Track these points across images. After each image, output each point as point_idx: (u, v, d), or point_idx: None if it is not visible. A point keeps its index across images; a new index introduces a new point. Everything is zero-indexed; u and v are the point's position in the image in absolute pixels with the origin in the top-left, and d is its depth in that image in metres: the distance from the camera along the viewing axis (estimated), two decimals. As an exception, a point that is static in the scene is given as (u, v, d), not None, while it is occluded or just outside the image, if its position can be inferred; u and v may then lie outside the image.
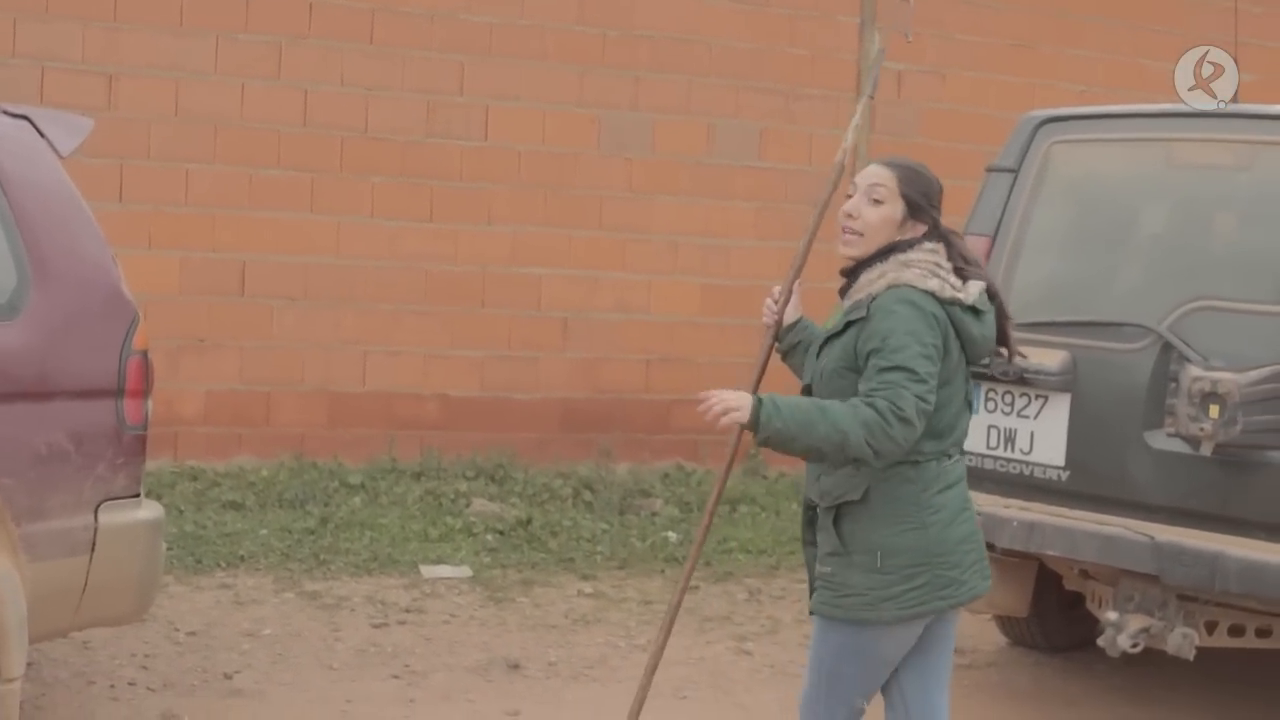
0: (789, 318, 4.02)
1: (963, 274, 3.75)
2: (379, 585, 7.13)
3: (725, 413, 3.57)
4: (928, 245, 3.76)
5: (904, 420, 3.51)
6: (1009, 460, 5.74)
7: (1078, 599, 6.33)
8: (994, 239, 5.93)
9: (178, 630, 6.29)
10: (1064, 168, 5.90)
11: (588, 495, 8.78)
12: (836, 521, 3.69)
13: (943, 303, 3.67)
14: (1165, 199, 5.74)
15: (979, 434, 5.81)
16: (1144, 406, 5.43)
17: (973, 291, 3.73)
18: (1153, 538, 5.23)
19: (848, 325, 3.70)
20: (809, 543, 3.85)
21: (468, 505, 8.35)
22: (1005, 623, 6.75)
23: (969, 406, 3.79)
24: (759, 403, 3.55)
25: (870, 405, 3.51)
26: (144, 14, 8.50)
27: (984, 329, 3.76)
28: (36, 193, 4.48)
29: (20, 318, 4.37)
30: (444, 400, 9.19)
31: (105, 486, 4.51)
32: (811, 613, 3.83)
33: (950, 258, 3.76)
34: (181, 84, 8.59)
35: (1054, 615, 6.61)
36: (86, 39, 8.42)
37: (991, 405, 5.78)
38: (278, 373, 8.85)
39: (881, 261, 3.72)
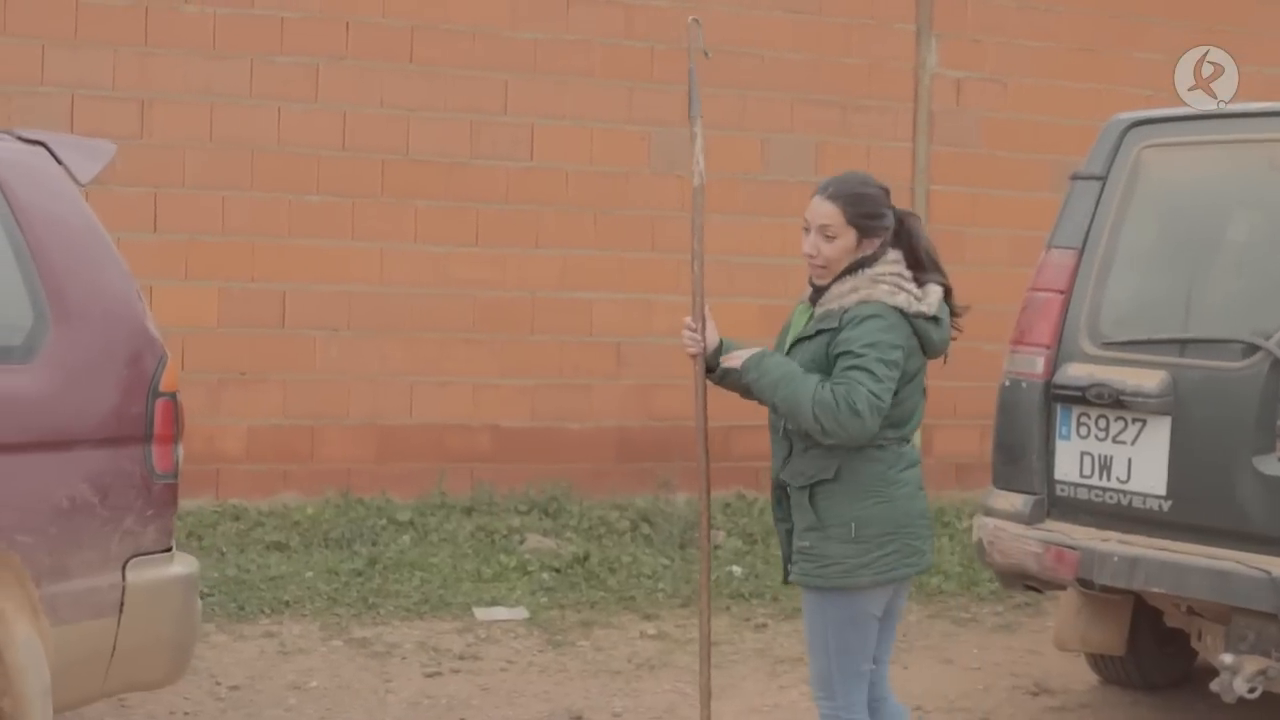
0: (711, 342, 4.32)
1: (920, 280, 4.14)
2: (431, 630, 6.77)
3: (696, 346, 4.20)
4: (890, 256, 4.13)
5: (854, 412, 3.92)
6: (1104, 490, 5.34)
7: (1175, 633, 5.92)
8: (1081, 252, 5.53)
9: (220, 684, 5.94)
10: (1156, 173, 5.48)
11: (646, 528, 8.40)
12: (812, 499, 4.08)
13: (908, 316, 4.06)
14: (1269, 204, 5.30)
15: (1071, 462, 5.42)
16: (1253, 429, 5.02)
17: (933, 301, 4.12)
18: (1269, 573, 4.81)
19: (819, 332, 4.08)
20: (781, 520, 4.24)
21: (521, 541, 7.99)
22: (1098, 661, 6.31)
23: (924, 395, 4.21)
24: (722, 347, 4.18)
25: (830, 390, 3.95)
26: (176, 37, 8.21)
27: (942, 332, 4.17)
28: (54, 224, 4.14)
29: (37, 360, 4.03)
30: (494, 431, 8.84)
31: (134, 541, 4.17)
32: (787, 581, 4.25)
33: (912, 263, 4.14)
34: (216, 109, 8.29)
35: (1151, 652, 6.18)
36: (117, 65, 8.13)
37: (1084, 431, 5.38)
38: (322, 406, 8.53)
39: (851, 276, 4.10)
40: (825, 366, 4.03)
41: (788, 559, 4.23)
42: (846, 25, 9.55)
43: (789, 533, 4.21)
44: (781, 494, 4.21)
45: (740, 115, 9.31)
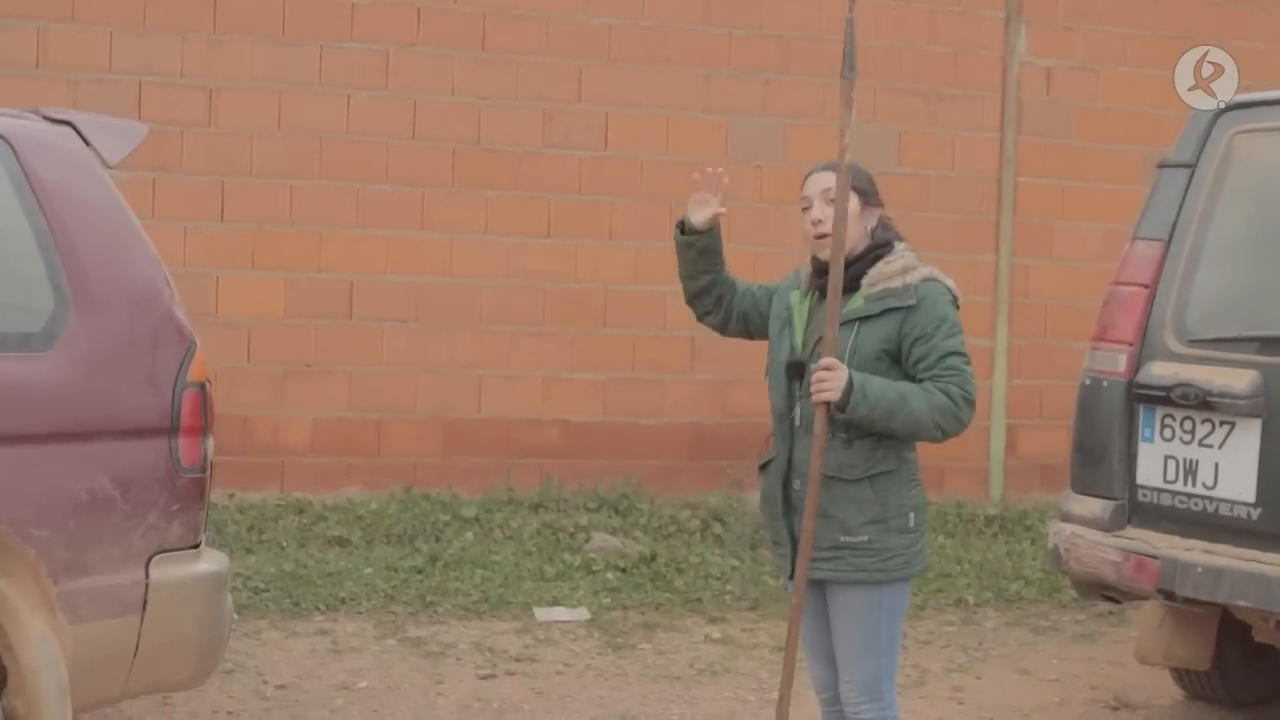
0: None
1: None
2: (488, 630, 6.59)
3: (821, 393, 3.82)
4: (905, 244, 4.08)
5: (970, 403, 3.91)
6: (1190, 496, 5.05)
7: (1264, 649, 5.62)
8: (1168, 244, 5.25)
9: (266, 683, 5.79)
10: (1249, 161, 5.18)
11: (717, 528, 8.17)
12: (875, 491, 3.94)
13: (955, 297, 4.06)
14: (1369, 194, 5.00)
15: (1154, 466, 5.13)
16: (1349, 433, 4.72)
17: None
18: (1363, 587, 4.52)
19: (888, 310, 3.94)
20: (788, 514, 4.01)
21: (587, 540, 7.79)
22: (1183, 675, 6.01)
23: None
24: (850, 388, 3.81)
25: (943, 392, 3.87)
26: (244, 24, 8.10)
27: None
28: (78, 207, 3.99)
29: (57, 347, 3.88)
30: (564, 426, 8.65)
31: (158, 537, 4.00)
32: (791, 578, 4.00)
33: None
34: (284, 96, 8.17)
35: (1238, 667, 5.87)
36: (185, 52, 8.04)
37: (1168, 433, 5.10)
38: (389, 399, 8.38)
39: (891, 253, 4.01)
40: (896, 342, 3.94)
41: (794, 557, 3.99)
42: (932, 11, 9.27)
43: (791, 528, 4.00)
44: (787, 488, 4.01)
45: (821, 103, 9.04)
